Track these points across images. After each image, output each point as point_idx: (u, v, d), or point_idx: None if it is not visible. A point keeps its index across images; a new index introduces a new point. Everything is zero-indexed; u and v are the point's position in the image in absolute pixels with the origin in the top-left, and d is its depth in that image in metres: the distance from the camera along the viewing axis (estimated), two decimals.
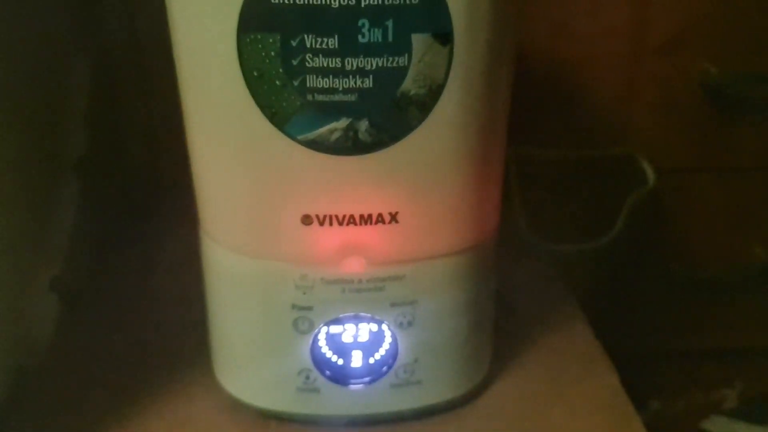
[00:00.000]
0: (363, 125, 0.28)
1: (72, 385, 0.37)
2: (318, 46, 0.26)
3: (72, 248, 0.43)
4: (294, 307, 0.32)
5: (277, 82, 0.27)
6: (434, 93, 0.27)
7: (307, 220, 0.30)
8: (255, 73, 0.27)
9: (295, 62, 0.26)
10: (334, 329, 0.32)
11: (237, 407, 0.35)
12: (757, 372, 0.70)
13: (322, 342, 0.32)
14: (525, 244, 0.49)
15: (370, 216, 0.30)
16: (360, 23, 0.26)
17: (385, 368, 0.33)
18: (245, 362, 0.34)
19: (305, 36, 0.26)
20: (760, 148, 0.59)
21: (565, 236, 0.53)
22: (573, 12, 0.53)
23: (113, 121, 0.48)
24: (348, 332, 0.32)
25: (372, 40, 0.26)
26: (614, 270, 0.58)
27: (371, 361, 0.33)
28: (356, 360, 0.33)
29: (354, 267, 0.31)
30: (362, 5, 0.25)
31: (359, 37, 0.26)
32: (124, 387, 0.37)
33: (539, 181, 0.53)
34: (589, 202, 0.56)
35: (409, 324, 0.32)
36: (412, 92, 0.27)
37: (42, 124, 0.42)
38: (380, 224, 0.30)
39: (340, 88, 0.27)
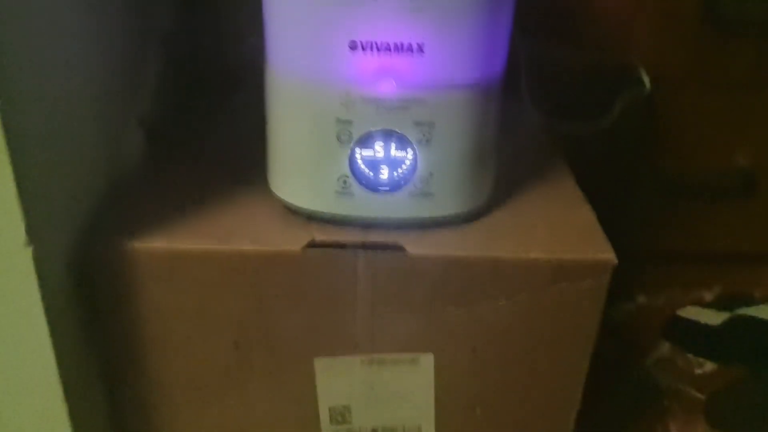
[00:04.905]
0: None
1: (153, 196, 0.47)
2: None
3: (156, 96, 0.52)
4: (338, 120, 0.40)
5: None
6: None
7: (353, 45, 0.38)
8: None
9: None
10: (368, 141, 0.41)
11: (286, 212, 0.45)
12: (733, 276, 0.78)
13: (358, 151, 0.41)
14: (528, 118, 0.58)
15: (402, 45, 0.38)
16: None
17: (406, 178, 0.42)
18: (295, 171, 0.43)
19: None
20: (750, 64, 0.66)
21: (564, 120, 0.61)
22: None
23: (190, 5, 0.57)
24: (378, 144, 0.41)
25: None
26: (607, 161, 0.66)
27: (396, 172, 0.42)
28: (384, 168, 0.42)
29: (387, 88, 0.39)
30: None
31: None
32: (194, 199, 0.45)
33: (546, 74, 0.61)
34: (589, 97, 0.64)
35: (428, 141, 0.41)
36: None
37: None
38: (409, 53, 0.38)
39: None
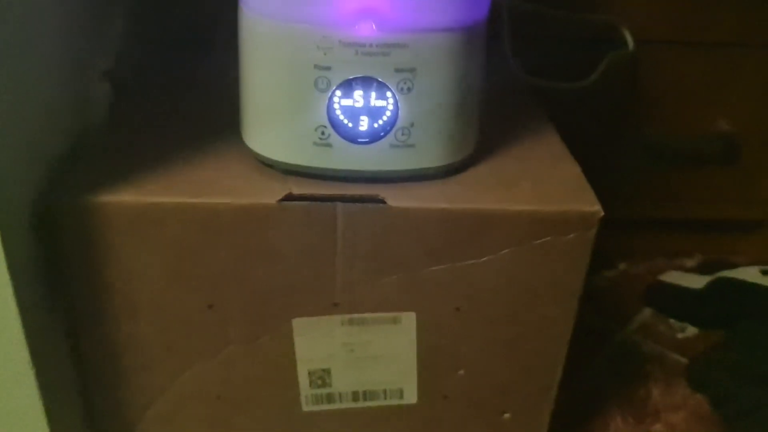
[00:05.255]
0: None
1: (121, 148, 0.44)
2: None
3: (122, 48, 0.50)
4: (315, 66, 0.39)
5: None
6: None
7: None
8: None
9: None
10: (347, 89, 0.39)
11: (261, 167, 0.43)
12: (715, 243, 0.78)
13: (336, 100, 0.40)
14: (511, 77, 0.56)
15: None
16: None
17: (386, 129, 0.40)
18: (271, 122, 0.42)
19: None
20: (733, 27, 0.66)
21: (547, 79, 0.60)
22: None
23: None
24: (358, 92, 0.39)
25: None
26: (589, 123, 0.65)
27: (376, 122, 0.40)
28: (364, 118, 0.40)
29: (366, 31, 0.38)
30: None
31: None
32: (164, 153, 0.43)
33: (529, 32, 0.60)
34: (572, 56, 0.63)
35: (409, 90, 0.40)
36: None
37: None
38: None
39: None
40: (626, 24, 0.63)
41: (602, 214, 0.41)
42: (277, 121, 0.41)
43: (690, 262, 0.77)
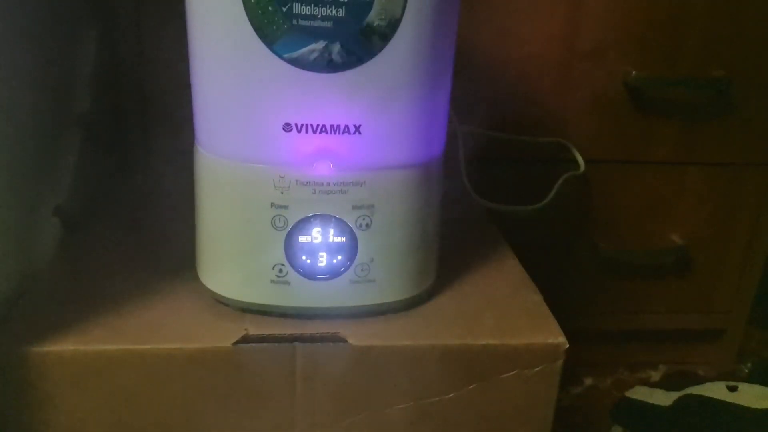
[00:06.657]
0: (336, 48, 0.35)
1: (68, 291, 0.42)
2: None
3: (74, 183, 0.49)
4: (272, 205, 0.38)
5: (270, 8, 0.34)
6: (393, 25, 0.35)
7: (287, 127, 0.37)
8: (252, 1, 0.34)
9: None
10: (305, 227, 0.39)
11: (216, 305, 0.41)
12: (677, 353, 0.78)
13: (294, 238, 0.39)
14: (468, 202, 0.57)
15: (338, 126, 0.37)
16: None
17: (346, 265, 0.40)
18: (227, 260, 0.40)
19: None
20: (673, 145, 0.68)
21: (504, 204, 0.61)
22: (515, 18, 0.62)
23: (112, 85, 0.55)
24: (316, 230, 0.39)
25: None
26: (547, 241, 0.66)
27: (335, 259, 0.40)
28: (322, 255, 0.39)
29: (323, 170, 0.38)
30: None
31: None
32: (113, 294, 0.42)
33: (484, 158, 0.61)
34: (527, 179, 0.64)
35: (367, 226, 0.39)
36: (376, 23, 0.35)
37: (54, 84, 0.48)
38: (346, 134, 0.37)
39: (319, 15, 0.34)
40: (576, 145, 0.66)
41: (567, 345, 0.40)
42: (234, 260, 0.40)
43: (655, 375, 0.77)
